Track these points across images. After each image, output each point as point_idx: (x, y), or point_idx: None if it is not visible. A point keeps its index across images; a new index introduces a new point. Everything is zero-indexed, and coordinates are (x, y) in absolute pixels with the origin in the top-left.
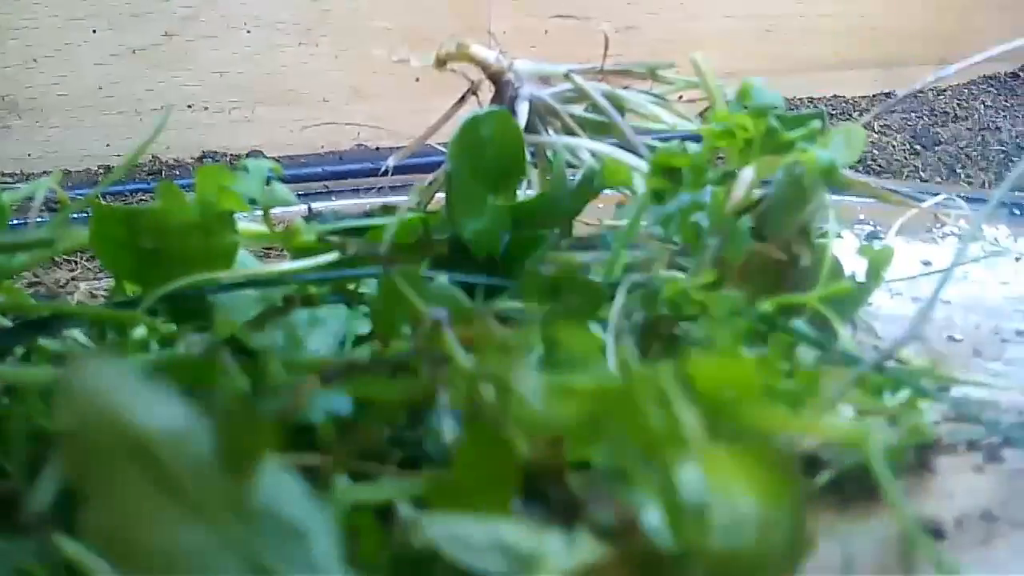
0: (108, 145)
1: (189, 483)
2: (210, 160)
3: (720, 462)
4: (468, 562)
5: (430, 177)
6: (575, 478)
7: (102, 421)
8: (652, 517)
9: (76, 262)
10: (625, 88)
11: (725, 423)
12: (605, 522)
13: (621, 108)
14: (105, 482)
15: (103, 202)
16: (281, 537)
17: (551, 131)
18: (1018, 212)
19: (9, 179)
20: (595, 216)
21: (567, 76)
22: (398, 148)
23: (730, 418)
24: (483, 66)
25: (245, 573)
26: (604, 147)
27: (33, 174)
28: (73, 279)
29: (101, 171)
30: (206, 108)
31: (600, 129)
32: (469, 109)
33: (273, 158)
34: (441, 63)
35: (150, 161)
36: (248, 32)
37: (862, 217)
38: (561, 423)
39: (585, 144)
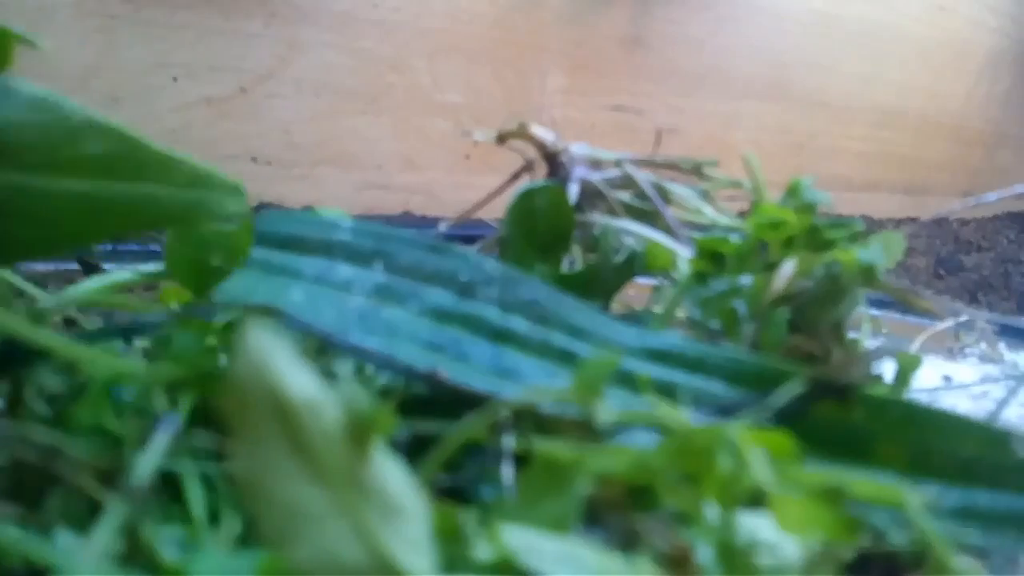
0: None
1: (318, 448)
2: (266, 210)
3: (788, 507)
4: (544, 570)
5: (478, 245)
6: (635, 514)
7: (259, 379)
8: (705, 552)
9: (133, 291)
10: (670, 181)
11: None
12: (660, 552)
13: (666, 198)
14: (253, 434)
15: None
16: (385, 511)
17: (597, 213)
18: None
19: None
20: (626, 302)
21: (617, 163)
22: (443, 218)
23: (790, 477)
24: (540, 146)
25: (352, 535)
26: (649, 232)
27: None
28: None
29: None
30: (269, 163)
31: (644, 216)
32: (520, 186)
33: None
34: (502, 139)
35: None
36: (317, 96)
37: (885, 330)
38: (624, 462)
39: (630, 227)
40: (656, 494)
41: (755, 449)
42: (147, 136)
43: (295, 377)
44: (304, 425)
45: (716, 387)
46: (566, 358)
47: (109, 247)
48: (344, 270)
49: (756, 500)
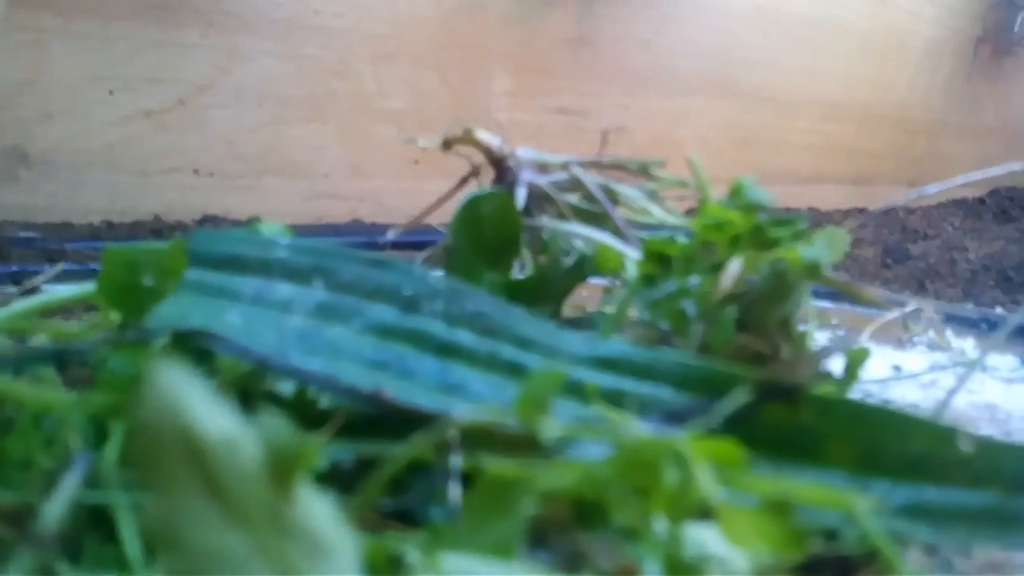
0: (113, 202)
1: (235, 490)
2: (211, 224)
3: (735, 519)
4: None
5: (426, 253)
6: (581, 533)
7: (170, 421)
8: (652, 568)
9: (71, 311)
10: (618, 182)
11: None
12: (606, 571)
13: (614, 200)
14: (164, 479)
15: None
16: (311, 551)
17: (546, 217)
18: (986, 327)
19: (12, 227)
20: (579, 303)
21: (565, 166)
22: (393, 225)
23: (739, 485)
24: (487, 151)
25: None
26: (597, 234)
27: (36, 224)
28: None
29: (104, 226)
30: (212, 174)
31: (592, 218)
32: (468, 191)
33: None
34: (447, 145)
35: (153, 220)
36: (259, 105)
37: (835, 322)
38: (570, 478)
39: (579, 231)
40: (604, 511)
41: (702, 461)
42: (85, 151)
43: (208, 416)
44: (219, 466)
45: (665, 393)
46: (515, 370)
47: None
48: (283, 289)
49: (705, 513)
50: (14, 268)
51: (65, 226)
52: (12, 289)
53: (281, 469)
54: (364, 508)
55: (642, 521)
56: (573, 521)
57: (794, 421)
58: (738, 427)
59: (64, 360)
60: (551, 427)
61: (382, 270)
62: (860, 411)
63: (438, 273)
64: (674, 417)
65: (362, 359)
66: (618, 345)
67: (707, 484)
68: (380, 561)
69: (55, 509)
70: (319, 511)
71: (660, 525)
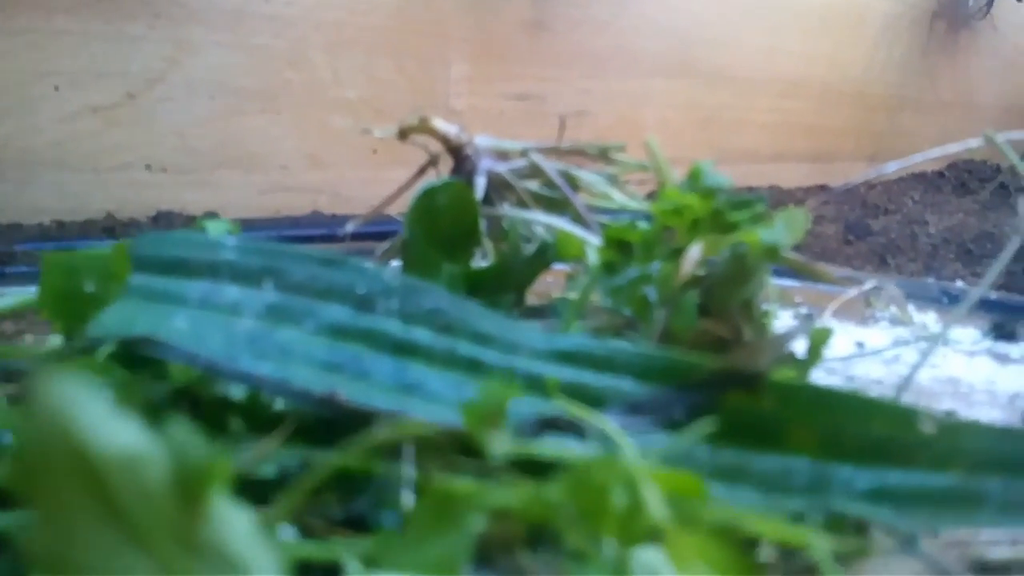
0: (63, 201)
1: (137, 510)
2: (165, 220)
3: (683, 544)
4: None
5: (386, 245)
6: (527, 552)
7: (57, 437)
8: None
9: (23, 315)
10: (578, 167)
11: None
12: None
13: (575, 186)
14: (53, 500)
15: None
16: (224, 570)
17: (507, 205)
18: (947, 300)
19: None
20: (544, 290)
21: (524, 153)
22: (353, 216)
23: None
24: (444, 140)
25: None
26: (558, 221)
27: None
28: (19, 332)
29: (54, 226)
30: (165, 170)
31: (554, 205)
32: (427, 180)
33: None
34: (403, 135)
35: (105, 218)
36: (211, 98)
37: (798, 300)
38: (520, 498)
39: (540, 218)
40: (553, 531)
41: (651, 484)
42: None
43: (107, 431)
44: (119, 485)
45: (626, 384)
46: (473, 367)
47: None
48: (231, 292)
49: (655, 536)
50: None
51: (14, 227)
52: None
53: (190, 485)
54: (310, 514)
55: (591, 544)
56: (521, 540)
57: (756, 408)
58: (700, 416)
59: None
60: (500, 443)
61: (334, 269)
62: (822, 396)
63: (393, 269)
64: (636, 408)
65: (315, 361)
66: (577, 338)
67: (656, 508)
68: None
69: None
70: (236, 527)
71: (609, 548)
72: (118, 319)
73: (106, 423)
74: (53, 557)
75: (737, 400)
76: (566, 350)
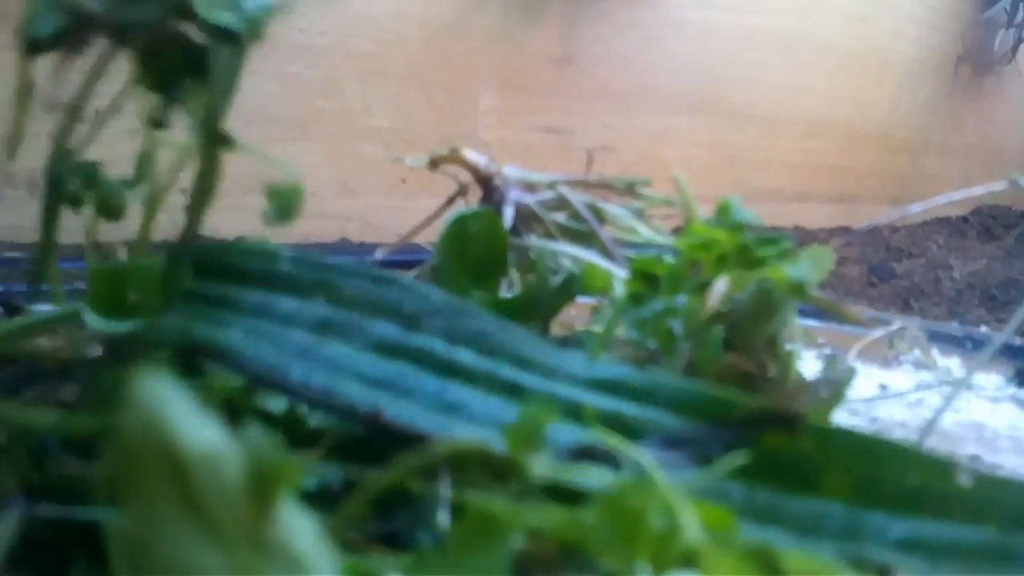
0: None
1: (215, 506)
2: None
3: (719, 567)
4: None
5: (414, 272)
6: (561, 573)
7: (151, 433)
8: None
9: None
10: (604, 201)
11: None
12: None
13: (601, 219)
14: (142, 492)
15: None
16: (289, 570)
17: (533, 236)
18: (971, 345)
19: None
20: (567, 321)
21: (551, 185)
22: (382, 244)
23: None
24: (473, 170)
25: None
26: (585, 253)
27: (22, 244)
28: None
29: (89, 246)
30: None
31: (580, 237)
32: (456, 210)
33: None
34: (434, 164)
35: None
36: (244, 124)
37: (821, 341)
38: (556, 520)
39: (566, 250)
40: (586, 553)
41: (688, 508)
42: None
43: (192, 430)
44: (200, 481)
45: (663, 418)
46: (514, 390)
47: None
48: (286, 302)
49: (689, 561)
50: (0, 288)
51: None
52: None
53: (263, 486)
54: (348, 529)
55: (625, 566)
56: (558, 559)
57: (793, 450)
58: (736, 454)
59: (56, 380)
60: (540, 464)
61: (384, 286)
62: (859, 442)
63: (439, 291)
64: (672, 443)
65: (362, 376)
66: (617, 367)
67: (693, 531)
68: None
69: None
70: (300, 530)
71: (644, 570)
72: (176, 325)
73: (191, 422)
74: (138, 546)
75: (774, 441)
76: (605, 379)
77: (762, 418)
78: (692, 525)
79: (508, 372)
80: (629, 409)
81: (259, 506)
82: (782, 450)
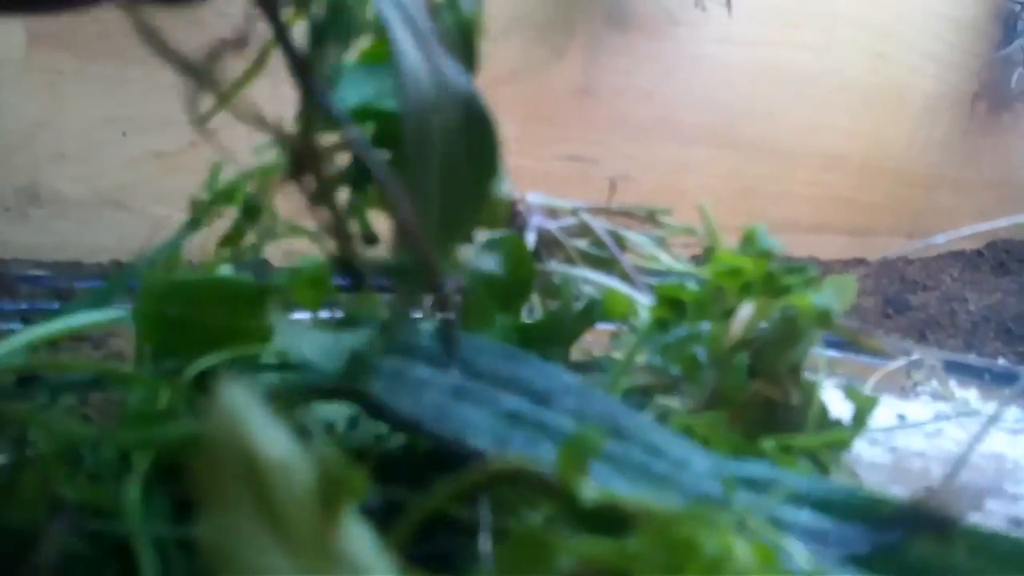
0: (122, 242)
1: (288, 512)
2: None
3: None
4: None
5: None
6: None
7: (231, 439)
8: None
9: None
10: (625, 228)
11: None
12: None
13: (622, 246)
14: (223, 496)
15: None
16: None
17: (555, 262)
18: (988, 377)
19: (22, 265)
20: (585, 347)
21: (573, 212)
22: None
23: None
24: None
25: None
26: (607, 280)
27: (46, 263)
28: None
29: (112, 265)
30: (220, 215)
31: (601, 264)
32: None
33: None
34: None
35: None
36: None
37: (839, 371)
38: (604, 548)
39: (589, 276)
40: None
41: (740, 539)
42: (96, 191)
43: (268, 436)
44: (275, 487)
45: (803, 516)
46: (643, 473)
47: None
48: (421, 370)
49: None
50: (23, 306)
51: (74, 265)
52: (21, 327)
53: (331, 495)
54: (394, 550)
55: None
56: None
57: (946, 556)
58: (884, 557)
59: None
60: (589, 489)
61: (515, 363)
62: (1016, 549)
63: (567, 371)
64: (817, 539)
65: (492, 434)
66: (754, 466)
67: (745, 561)
68: None
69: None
70: (363, 541)
71: None
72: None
73: (267, 430)
74: (216, 547)
75: (926, 546)
76: (741, 476)
77: (913, 520)
78: (744, 554)
79: (638, 456)
80: (766, 505)
81: (328, 514)
82: (934, 556)
